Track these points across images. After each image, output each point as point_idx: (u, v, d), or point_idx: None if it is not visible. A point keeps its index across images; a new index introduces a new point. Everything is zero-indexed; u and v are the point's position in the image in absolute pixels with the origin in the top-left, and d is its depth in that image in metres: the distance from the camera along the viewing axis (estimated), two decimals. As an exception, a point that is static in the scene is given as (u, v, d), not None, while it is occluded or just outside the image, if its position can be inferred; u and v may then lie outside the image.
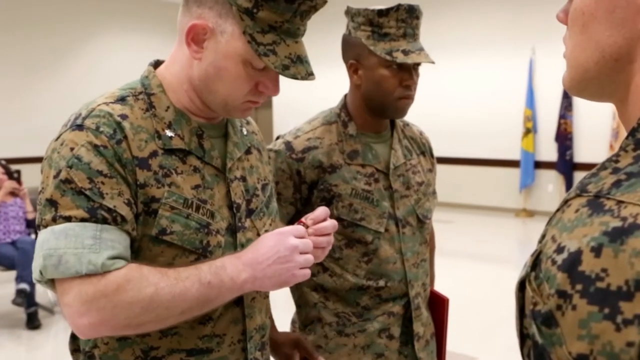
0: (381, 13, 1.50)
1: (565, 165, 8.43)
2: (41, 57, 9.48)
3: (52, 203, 1.02)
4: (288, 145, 1.59)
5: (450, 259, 6.25)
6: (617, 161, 0.57)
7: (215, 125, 1.22)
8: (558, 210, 0.59)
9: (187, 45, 1.11)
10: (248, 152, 1.29)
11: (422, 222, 1.67)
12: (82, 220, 1.00)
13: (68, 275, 0.99)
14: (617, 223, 0.49)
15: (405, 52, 1.49)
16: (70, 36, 9.81)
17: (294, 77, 1.08)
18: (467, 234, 7.97)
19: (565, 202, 0.58)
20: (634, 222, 0.48)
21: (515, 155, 8.91)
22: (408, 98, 1.56)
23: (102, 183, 1.03)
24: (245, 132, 1.31)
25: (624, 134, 7.80)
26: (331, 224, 1.23)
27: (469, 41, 9.10)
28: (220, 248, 1.14)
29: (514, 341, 3.86)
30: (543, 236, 0.58)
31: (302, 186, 1.58)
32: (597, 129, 8.15)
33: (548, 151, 8.67)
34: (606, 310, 0.47)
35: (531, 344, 0.54)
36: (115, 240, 1.02)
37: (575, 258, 0.50)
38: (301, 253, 1.10)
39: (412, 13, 1.50)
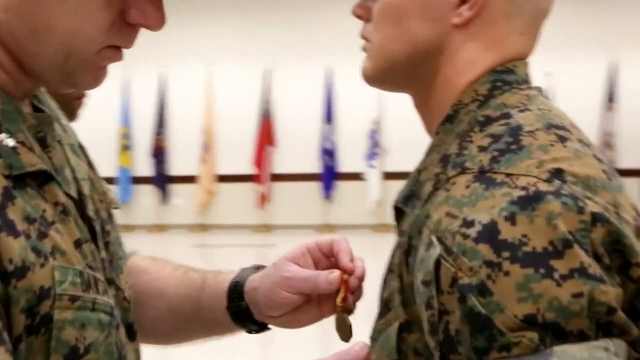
0: None
1: (161, 179, 9.05)
2: None
3: None
4: None
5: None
6: (471, 142, 0.61)
7: (44, 117, 0.66)
8: (438, 189, 0.61)
9: None
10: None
11: None
12: None
13: None
14: (520, 192, 0.54)
15: None
16: None
17: None
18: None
19: (448, 180, 0.60)
20: (537, 189, 0.53)
21: (112, 172, 8.96)
22: None
23: None
24: (64, 122, 0.73)
25: (214, 147, 8.87)
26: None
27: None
28: (126, 348, 0.66)
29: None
30: (427, 216, 0.59)
31: None
32: (188, 143, 9.00)
33: (146, 166, 9.10)
34: (542, 270, 0.51)
35: (455, 318, 0.54)
36: None
37: (491, 229, 0.53)
38: None
39: None
